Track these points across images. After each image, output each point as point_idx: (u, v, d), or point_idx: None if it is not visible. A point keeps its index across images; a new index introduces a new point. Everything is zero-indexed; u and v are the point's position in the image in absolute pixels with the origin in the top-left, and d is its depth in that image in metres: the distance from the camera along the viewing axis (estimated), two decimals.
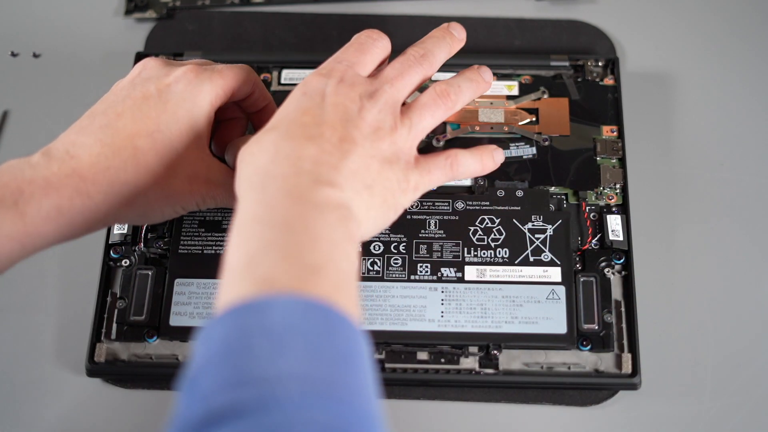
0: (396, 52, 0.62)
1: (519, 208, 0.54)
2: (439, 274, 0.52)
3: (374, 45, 0.47)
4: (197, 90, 0.47)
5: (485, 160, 0.50)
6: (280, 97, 0.58)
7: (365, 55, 0.47)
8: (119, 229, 0.54)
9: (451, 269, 0.52)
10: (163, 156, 0.45)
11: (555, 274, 0.52)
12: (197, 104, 0.47)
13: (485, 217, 0.54)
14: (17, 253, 0.43)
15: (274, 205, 0.40)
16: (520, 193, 0.54)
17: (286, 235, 0.38)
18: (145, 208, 0.46)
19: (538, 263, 0.52)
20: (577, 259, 0.53)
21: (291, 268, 0.37)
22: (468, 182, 0.55)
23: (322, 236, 0.39)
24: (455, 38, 0.50)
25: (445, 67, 0.59)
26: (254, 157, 0.42)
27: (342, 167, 0.42)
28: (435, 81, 0.49)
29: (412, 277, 0.52)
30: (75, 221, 0.44)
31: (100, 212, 0.44)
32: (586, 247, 0.53)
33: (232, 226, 0.40)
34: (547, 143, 0.57)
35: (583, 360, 0.51)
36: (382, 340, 0.50)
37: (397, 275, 0.52)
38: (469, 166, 0.49)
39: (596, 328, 0.51)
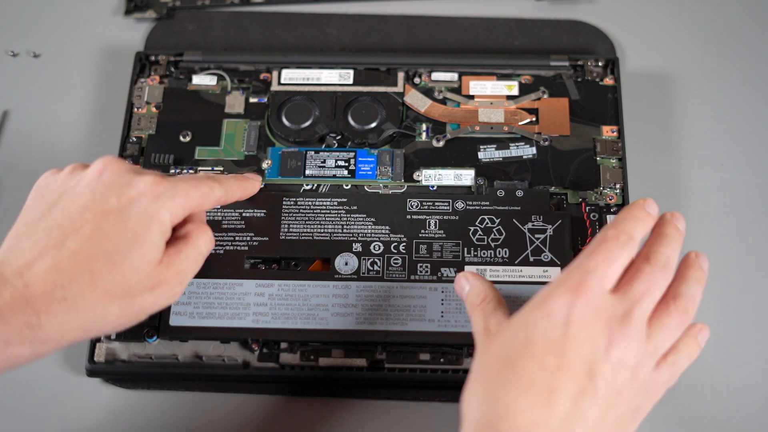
0: (396, 52, 0.62)
1: (519, 208, 0.54)
2: (439, 274, 0.52)
3: (623, 251, 0.42)
4: (159, 206, 0.44)
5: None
6: (280, 97, 0.59)
7: (613, 265, 0.42)
8: None
9: (451, 269, 0.52)
10: (122, 277, 0.42)
11: (555, 274, 0.52)
12: (157, 221, 0.44)
13: (485, 217, 0.53)
14: None
15: None
16: (520, 193, 0.54)
17: None
18: (104, 329, 0.43)
19: (538, 263, 0.52)
20: None
21: None
22: (468, 182, 0.55)
23: None
24: (680, 231, 0.46)
25: (445, 67, 0.60)
26: (483, 399, 0.40)
27: None
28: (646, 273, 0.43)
29: (412, 277, 0.52)
30: (23, 354, 0.41)
31: (52, 342, 0.42)
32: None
33: None
34: (547, 143, 0.57)
35: None
36: (382, 340, 0.50)
37: (397, 275, 0.52)
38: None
39: None
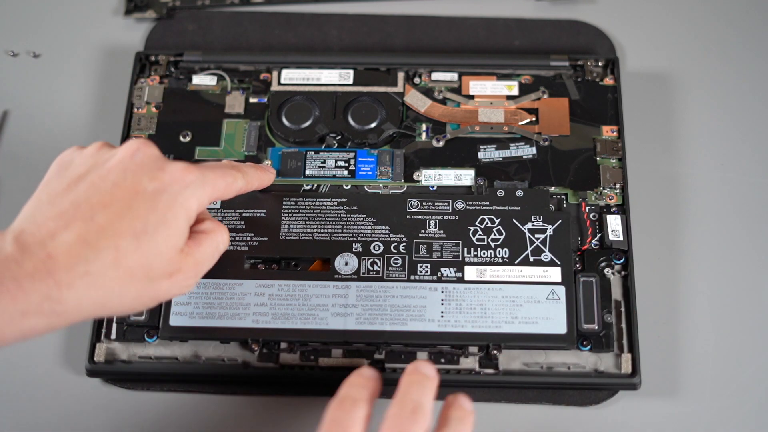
0: (396, 52, 0.62)
1: (519, 208, 0.54)
2: (439, 274, 0.52)
3: (352, 417, 0.43)
4: (189, 194, 0.44)
5: None
6: (280, 97, 0.58)
7: (349, 427, 0.42)
8: None
9: (451, 269, 0.52)
10: (145, 258, 0.42)
11: (555, 274, 0.52)
12: (185, 208, 0.44)
13: (485, 217, 0.54)
14: None
15: None
16: (520, 193, 0.54)
17: None
18: (119, 309, 0.43)
19: (538, 263, 0.52)
20: (577, 259, 0.53)
21: None
22: (468, 182, 0.55)
23: None
24: (430, 378, 0.45)
25: (445, 67, 0.60)
26: None
27: None
28: None
29: (412, 277, 0.52)
30: (37, 326, 0.40)
31: (68, 316, 0.41)
32: (585, 247, 0.53)
33: None
34: (547, 143, 0.57)
35: (583, 360, 0.51)
36: (382, 340, 0.50)
37: (397, 275, 0.52)
38: None
39: (596, 328, 0.51)
